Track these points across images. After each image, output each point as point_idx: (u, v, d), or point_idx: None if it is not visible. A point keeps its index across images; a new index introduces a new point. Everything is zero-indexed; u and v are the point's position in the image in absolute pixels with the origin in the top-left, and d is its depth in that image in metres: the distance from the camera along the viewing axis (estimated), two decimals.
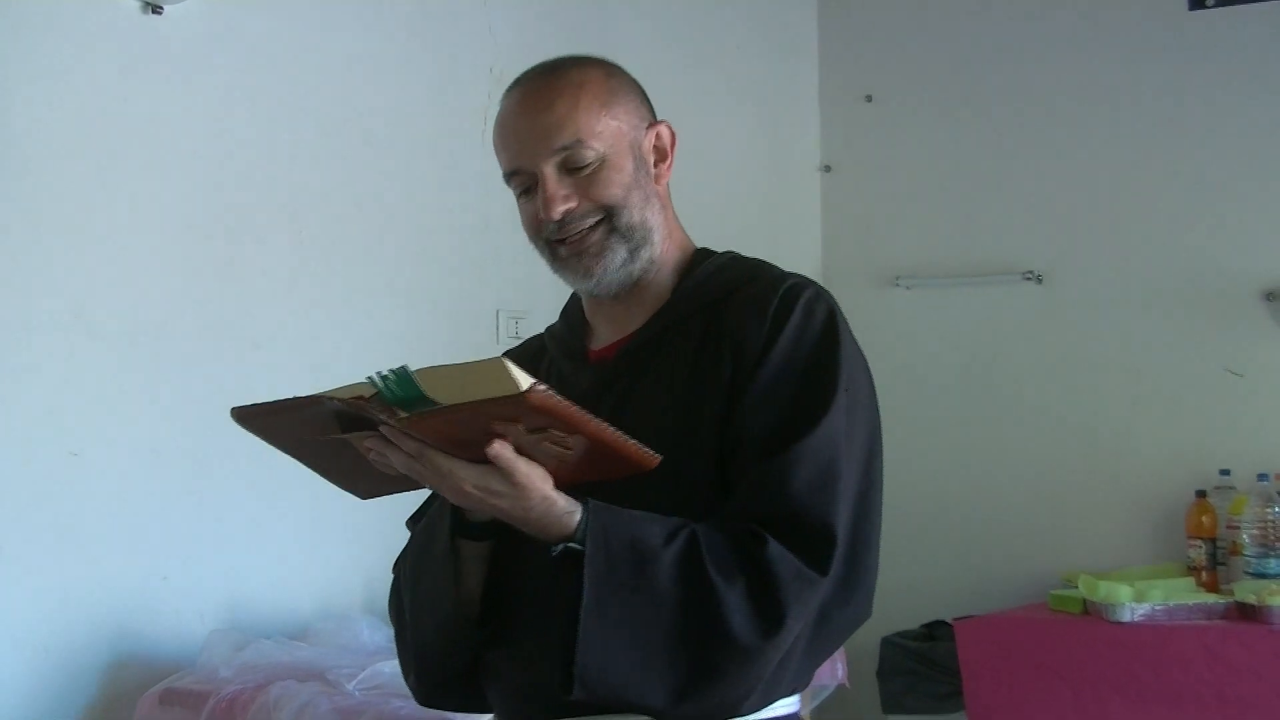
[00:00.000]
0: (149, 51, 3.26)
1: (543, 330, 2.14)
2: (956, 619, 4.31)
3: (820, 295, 1.87)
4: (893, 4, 5.32)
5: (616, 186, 1.87)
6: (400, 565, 2.00)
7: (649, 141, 1.93)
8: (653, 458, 1.67)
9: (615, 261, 1.88)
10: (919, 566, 4.74)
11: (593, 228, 1.87)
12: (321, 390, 1.62)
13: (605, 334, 1.98)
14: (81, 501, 3.10)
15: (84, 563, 3.10)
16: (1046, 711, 4.00)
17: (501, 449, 1.60)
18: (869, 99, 5.29)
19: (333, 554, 3.50)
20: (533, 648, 1.82)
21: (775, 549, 1.70)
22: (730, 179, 4.92)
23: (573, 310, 2.06)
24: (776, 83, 5.32)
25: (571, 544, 1.69)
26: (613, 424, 1.64)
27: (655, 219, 1.91)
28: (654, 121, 1.96)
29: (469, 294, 3.92)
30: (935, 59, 5.20)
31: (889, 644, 4.47)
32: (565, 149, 1.85)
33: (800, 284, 1.88)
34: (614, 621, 1.68)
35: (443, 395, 1.53)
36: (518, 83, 1.93)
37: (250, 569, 3.41)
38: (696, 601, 1.69)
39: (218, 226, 3.39)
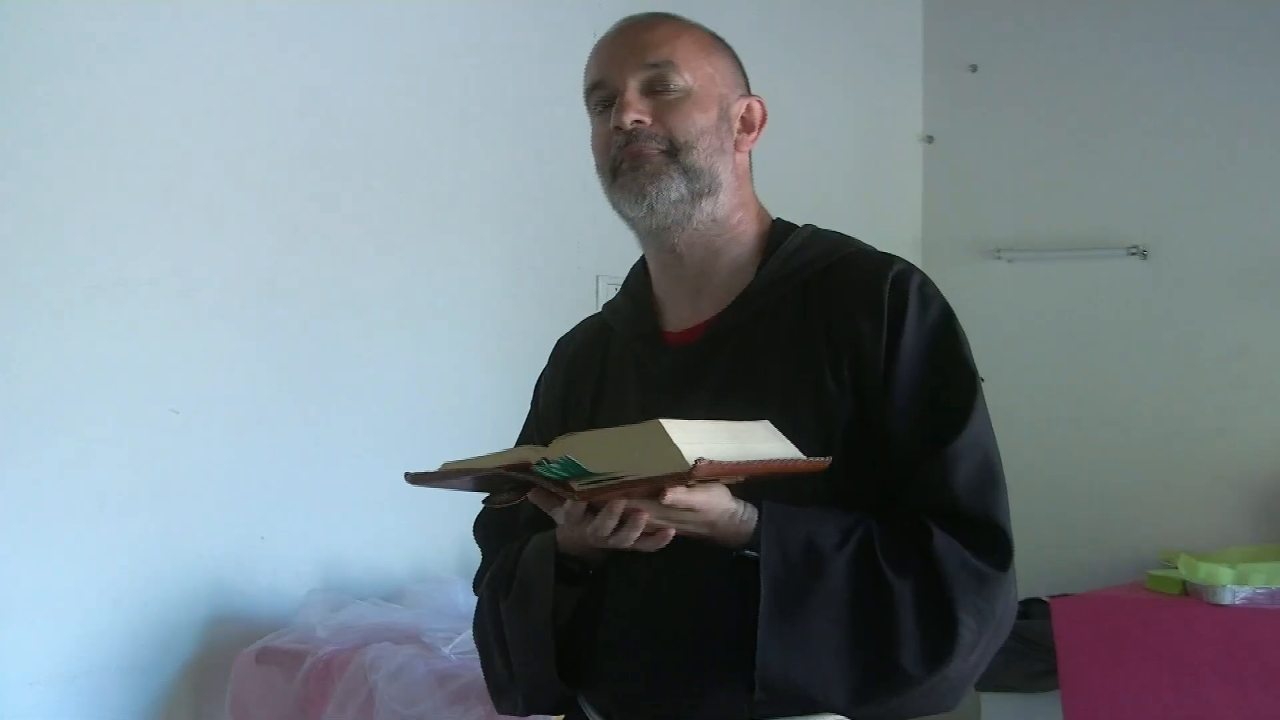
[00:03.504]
0: (251, 15, 3.27)
1: (598, 310, 2.10)
2: (1053, 597, 4.27)
3: (927, 280, 1.85)
4: None
5: (692, 123, 1.84)
6: (487, 593, 1.97)
7: (738, 108, 1.91)
8: (822, 462, 1.68)
9: (671, 192, 1.83)
10: (1016, 543, 4.67)
11: (657, 153, 1.83)
12: (481, 454, 1.67)
13: (682, 313, 1.93)
14: (181, 459, 3.12)
15: (183, 520, 3.12)
16: (1143, 692, 3.95)
17: (674, 495, 1.61)
18: (973, 69, 5.22)
19: (427, 516, 3.51)
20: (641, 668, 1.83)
21: (941, 540, 1.70)
22: (831, 148, 4.89)
23: (637, 287, 2.01)
24: (880, 52, 5.27)
25: (748, 551, 1.70)
26: (712, 415, 1.65)
27: (725, 175, 1.87)
28: (749, 94, 1.94)
29: (568, 260, 3.91)
30: (1040, 29, 5.13)
31: None
32: (655, 66, 1.84)
33: (905, 271, 1.84)
34: (793, 624, 1.68)
35: (604, 466, 1.58)
36: (625, 18, 1.94)
37: (346, 530, 3.43)
38: (872, 601, 1.69)
39: (318, 188, 3.40)
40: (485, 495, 1.75)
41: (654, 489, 1.60)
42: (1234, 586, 3.89)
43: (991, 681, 4.29)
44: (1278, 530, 4.44)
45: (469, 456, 1.67)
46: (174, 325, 3.12)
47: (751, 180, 1.96)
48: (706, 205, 1.86)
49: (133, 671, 3.03)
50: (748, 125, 1.92)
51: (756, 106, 1.93)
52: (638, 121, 1.83)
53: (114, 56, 3.03)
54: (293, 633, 3.11)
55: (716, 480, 1.65)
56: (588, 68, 1.91)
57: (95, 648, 2.98)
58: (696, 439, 1.56)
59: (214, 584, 3.17)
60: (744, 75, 1.96)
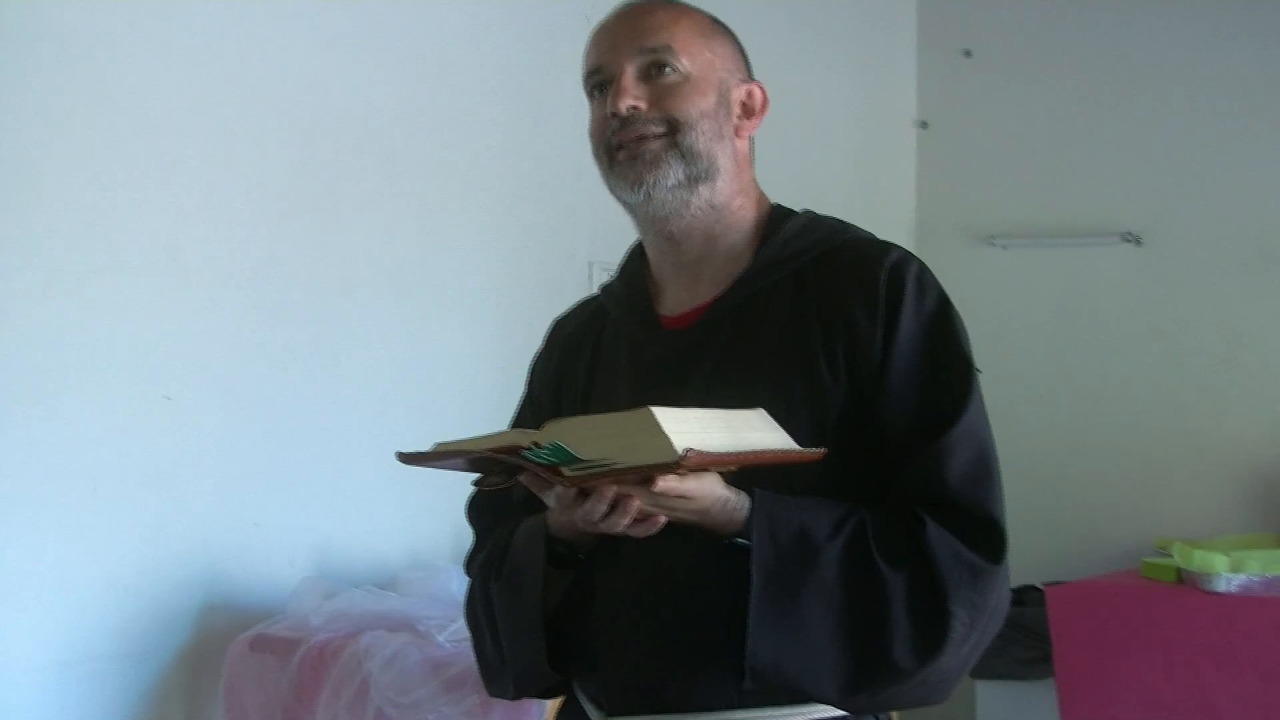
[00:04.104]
0: (248, 1, 3.26)
1: (597, 291, 2.08)
2: (1048, 584, 4.27)
3: (924, 269, 1.84)
4: None
5: (691, 106, 1.83)
6: (478, 576, 1.96)
7: (738, 93, 1.89)
8: (816, 453, 1.66)
9: (668, 178, 1.82)
10: (1010, 530, 4.67)
11: (654, 137, 1.82)
12: (472, 436, 1.65)
13: (678, 297, 1.92)
14: (174, 445, 3.11)
15: (176, 507, 3.12)
16: (1137, 680, 3.95)
17: (665, 483, 1.59)
18: (968, 54, 5.21)
19: (421, 503, 3.51)
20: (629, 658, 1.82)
21: (934, 532, 1.69)
22: (825, 133, 4.88)
23: (633, 270, 1.99)
24: (874, 37, 5.25)
25: (739, 539, 1.69)
26: (706, 400, 1.65)
27: (724, 160, 1.86)
28: (750, 80, 1.93)
29: (562, 244, 3.91)
30: (1035, 13, 5.11)
31: None
32: (653, 51, 1.83)
33: (902, 259, 1.83)
34: (785, 613, 1.67)
35: (594, 453, 1.56)
36: (623, 3, 1.92)
37: (340, 517, 3.42)
38: (864, 592, 1.68)
39: (313, 172, 3.39)
40: (476, 477, 1.74)
41: (644, 476, 1.58)
42: (1228, 574, 3.88)
43: (986, 669, 4.30)
44: (1273, 518, 4.44)
45: (462, 438, 1.66)
46: (168, 310, 3.11)
47: (752, 166, 1.95)
48: (704, 191, 1.85)
49: (127, 659, 3.03)
50: (748, 110, 1.91)
51: (757, 92, 1.92)
52: (634, 107, 1.82)
53: (111, 41, 3.02)
54: (286, 620, 3.11)
55: (708, 468, 1.64)
56: (586, 53, 1.90)
57: (89, 635, 2.98)
58: (688, 427, 1.54)
59: (208, 571, 3.17)
60: (745, 60, 1.94)
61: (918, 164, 5.33)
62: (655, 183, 1.82)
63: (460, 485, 1.84)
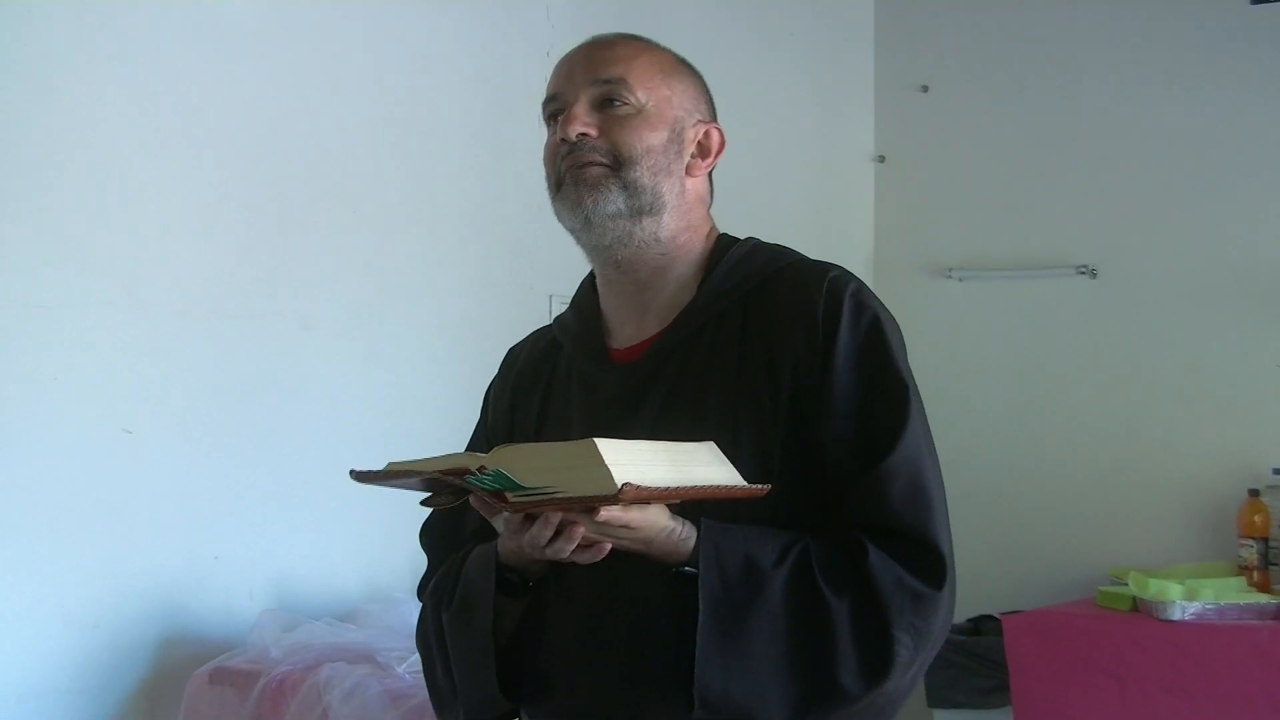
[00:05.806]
0: (204, 34, 3.27)
1: (550, 322, 2.09)
2: (1004, 613, 4.29)
3: (862, 287, 1.85)
4: None
5: (639, 140, 1.84)
6: (429, 603, 1.97)
7: (695, 133, 1.91)
8: (759, 489, 1.68)
9: (608, 205, 1.83)
10: (966, 560, 4.62)
11: (598, 164, 1.84)
12: (423, 457, 1.68)
13: (628, 330, 1.93)
14: (133, 479, 3.11)
15: (135, 540, 3.11)
16: (1093, 708, 3.98)
17: (608, 512, 1.61)
18: (924, 89, 5.26)
19: (380, 535, 3.50)
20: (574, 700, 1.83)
21: (876, 559, 1.71)
22: (784, 167, 4.90)
23: (586, 303, 2.00)
24: (832, 72, 5.29)
25: (686, 568, 1.71)
26: (654, 433, 1.68)
27: (670, 196, 1.87)
28: (709, 121, 1.94)
29: (521, 278, 3.92)
30: (991, 50, 5.17)
31: None
32: (608, 82, 1.85)
33: (840, 278, 1.85)
34: (731, 641, 1.69)
35: (537, 481, 1.58)
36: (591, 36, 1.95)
37: (299, 550, 3.42)
38: (809, 619, 1.70)
39: (270, 207, 3.40)
40: (426, 495, 1.75)
41: (586, 506, 1.60)
42: (1183, 602, 3.92)
43: (943, 698, 4.32)
44: (1227, 547, 4.47)
45: (414, 458, 1.68)
46: (126, 344, 3.11)
47: (709, 204, 1.97)
48: (649, 224, 1.86)
49: (85, 693, 3.01)
50: (704, 150, 1.92)
51: (715, 134, 1.93)
52: (583, 134, 1.84)
53: (66, 80, 3.02)
54: (246, 653, 3.10)
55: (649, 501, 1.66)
56: (548, 82, 1.92)
57: (47, 669, 2.96)
58: (632, 460, 1.56)
59: (167, 604, 3.16)
60: (709, 102, 1.96)
61: (875, 197, 5.37)
62: (594, 207, 1.83)
63: (419, 517, 1.86)
